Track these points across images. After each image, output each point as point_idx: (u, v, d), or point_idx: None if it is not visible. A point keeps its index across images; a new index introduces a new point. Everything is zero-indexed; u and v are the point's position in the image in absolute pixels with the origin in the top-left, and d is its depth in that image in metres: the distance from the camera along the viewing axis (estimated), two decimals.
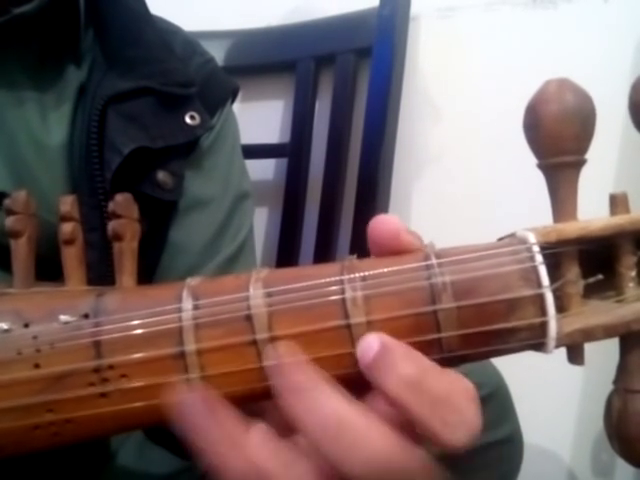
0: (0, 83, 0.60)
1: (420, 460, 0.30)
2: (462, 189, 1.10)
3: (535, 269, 0.32)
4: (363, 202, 1.03)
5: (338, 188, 1.09)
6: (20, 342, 0.34)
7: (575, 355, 0.34)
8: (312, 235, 1.10)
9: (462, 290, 0.32)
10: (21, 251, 0.37)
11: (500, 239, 0.35)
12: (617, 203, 0.34)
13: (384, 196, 1.05)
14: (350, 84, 1.09)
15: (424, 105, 1.12)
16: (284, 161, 1.16)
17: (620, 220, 0.34)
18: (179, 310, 0.33)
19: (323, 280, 0.33)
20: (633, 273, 0.34)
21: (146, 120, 0.64)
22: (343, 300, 0.32)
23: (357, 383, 0.32)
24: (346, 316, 0.32)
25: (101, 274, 0.54)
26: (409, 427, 0.30)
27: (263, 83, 1.20)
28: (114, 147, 0.60)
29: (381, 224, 0.35)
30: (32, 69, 0.62)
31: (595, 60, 1.01)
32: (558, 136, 0.34)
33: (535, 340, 0.32)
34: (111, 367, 0.33)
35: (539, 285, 0.32)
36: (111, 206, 0.38)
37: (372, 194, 1.02)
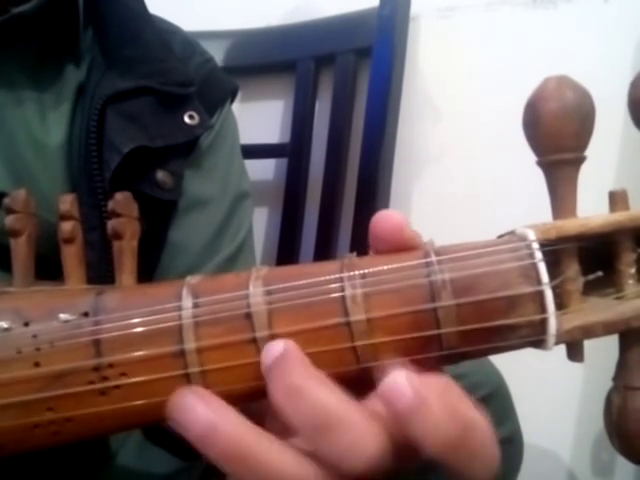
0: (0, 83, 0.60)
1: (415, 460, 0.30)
2: (462, 189, 1.10)
3: (535, 266, 0.32)
4: (363, 202, 1.03)
5: (338, 188, 1.09)
6: (20, 341, 0.34)
7: (574, 352, 0.34)
8: (312, 235, 1.10)
9: (462, 287, 0.32)
10: (21, 250, 0.37)
11: (500, 236, 0.35)
12: (617, 200, 0.34)
13: (384, 196, 1.05)
14: (350, 84, 1.10)
15: (424, 105, 1.12)
16: (284, 161, 1.16)
17: (620, 217, 0.34)
18: (179, 308, 0.33)
19: (323, 278, 0.33)
20: (633, 270, 0.34)
21: (145, 120, 0.64)
22: (343, 298, 0.32)
23: (358, 381, 0.32)
24: (346, 314, 0.32)
25: (101, 273, 0.54)
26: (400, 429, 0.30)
27: (263, 83, 1.20)
28: (113, 147, 0.60)
29: (385, 219, 0.35)
30: (31, 69, 0.62)
31: (595, 60, 1.01)
32: (557, 133, 0.34)
33: (535, 337, 0.32)
34: (111, 365, 0.33)
35: (539, 282, 0.32)
36: (111, 205, 0.38)
37: (372, 194, 1.02)
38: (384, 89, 1.03)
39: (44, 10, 0.60)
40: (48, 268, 0.39)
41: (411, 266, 0.33)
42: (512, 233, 0.35)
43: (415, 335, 0.32)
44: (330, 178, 1.09)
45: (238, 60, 1.16)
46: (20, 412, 0.34)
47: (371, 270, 0.33)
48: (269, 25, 1.18)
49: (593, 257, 0.34)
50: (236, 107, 0.84)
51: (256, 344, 0.33)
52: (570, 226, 0.34)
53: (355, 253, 0.35)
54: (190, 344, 0.33)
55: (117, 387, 0.33)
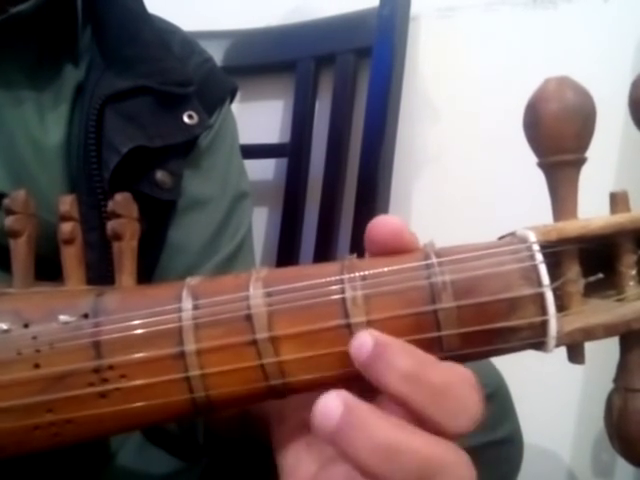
0: None
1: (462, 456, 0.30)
2: (462, 189, 1.09)
3: (535, 268, 0.32)
4: (363, 202, 1.03)
5: (338, 188, 1.09)
6: (20, 342, 0.34)
7: (575, 354, 0.34)
8: (312, 235, 1.10)
9: (462, 289, 0.32)
10: (20, 251, 0.37)
11: (500, 238, 0.35)
12: (617, 201, 0.34)
13: (384, 196, 1.04)
14: (350, 84, 1.09)
15: (424, 105, 1.12)
16: (284, 161, 1.15)
17: (620, 219, 0.34)
18: (179, 310, 0.33)
19: (323, 280, 0.33)
20: (633, 272, 0.34)
21: (144, 119, 0.64)
22: (343, 299, 0.32)
23: (358, 382, 0.32)
24: (346, 315, 0.32)
25: (100, 274, 0.54)
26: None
27: (263, 83, 1.20)
28: (112, 146, 0.60)
29: (383, 224, 0.35)
30: (30, 68, 0.61)
31: (595, 60, 1.01)
32: (558, 134, 0.34)
33: (535, 339, 0.32)
34: (111, 367, 0.33)
35: (539, 284, 0.32)
36: (111, 205, 0.38)
37: (372, 194, 1.02)
38: (384, 89, 1.03)
39: (42, 10, 0.60)
40: (48, 268, 0.39)
41: (411, 268, 0.33)
42: (513, 235, 0.34)
43: (416, 337, 0.32)
44: (330, 178, 1.09)
45: (238, 60, 1.16)
46: (20, 414, 0.34)
47: (371, 272, 0.33)
48: (269, 25, 1.18)
49: (594, 259, 0.34)
50: (236, 107, 0.84)
51: (256, 346, 0.33)
52: (571, 228, 0.33)
53: (355, 255, 0.35)
54: (190, 346, 0.33)
55: (117, 389, 0.33)
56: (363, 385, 0.31)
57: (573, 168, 0.35)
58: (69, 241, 0.37)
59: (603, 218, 0.34)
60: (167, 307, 0.34)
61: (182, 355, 0.33)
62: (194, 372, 0.33)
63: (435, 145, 1.12)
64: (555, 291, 0.32)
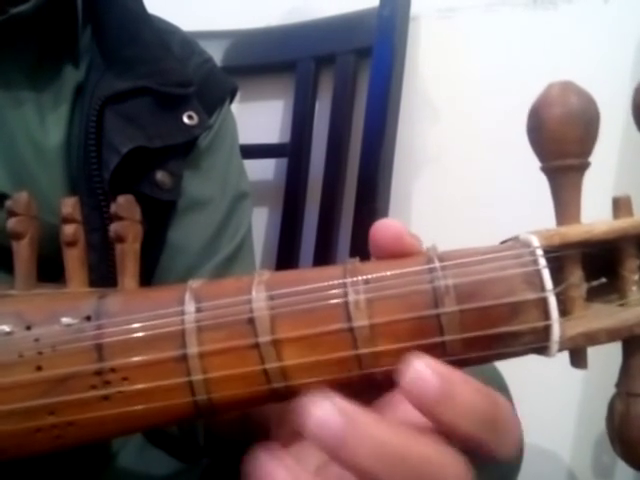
0: None
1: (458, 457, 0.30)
2: (461, 189, 1.10)
3: (538, 272, 0.32)
4: (363, 202, 1.03)
5: (338, 188, 1.08)
6: (22, 345, 0.34)
7: (578, 359, 0.34)
8: (312, 235, 1.10)
9: (465, 293, 0.32)
10: (23, 253, 0.37)
11: (503, 242, 0.35)
12: (620, 206, 0.34)
13: (384, 196, 1.04)
14: (350, 84, 1.09)
15: (424, 105, 1.12)
16: (284, 161, 1.15)
17: (624, 224, 0.34)
18: (182, 313, 0.33)
19: (326, 283, 0.33)
20: (636, 277, 0.34)
21: (144, 120, 0.64)
22: (346, 303, 0.32)
23: (358, 386, 0.32)
24: (349, 319, 0.32)
25: (102, 275, 0.54)
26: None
27: (263, 83, 1.20)
28: (112, 147, 0.60)
29: (384, 228, 0.35)
30: (30, 69, 0.62)
31: (595, 60, 1.01)
32: (562, 139, 0.34)
33: (538, 344, 0.32)
34: (113, 370, 0.33)
35: (542, 289, 0.32)
36: (113, 208, 0.38)
37: (372, 194, 1.02)
38: (384, 89, 1.03)
39: (42, 10, 0.60)
40: (49, 269, 0.39)
41: (414, 272, 0.33)
42: (515, 239, 0.34)
43: (418, 341, 0.32)
44: (330, 178, 1.09)
45: (238, 60, 1.16)
46: (22, 416, 0.33)
47: (374, 276, 0.33)
48: (269, 25, 1.18)
49: (596, 263, 0.34)
50: (236, 107, 0.84)
51: (259, 349, 0.33)
52: (574, 232, 0.33)
53: (358, 258, 0.35)
54: (193, 349, 0.33)
55: (119, 392, 0.33)
56: (361, 387, 0.32)
57: (576, 173, 0.35)
58: (72, 243, 0.37)
59: (606, 223, 0.34)
60: (170, 310, 0.34)
61: (184, 358, 0.33)
62: (196, 375, 0.33)
63: (435, 145, 1.12)
64: (558, 296, 0.32)
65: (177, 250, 0.70)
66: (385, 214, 1.05)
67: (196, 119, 0.68)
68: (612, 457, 1.02)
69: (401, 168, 1.10)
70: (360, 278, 0.33)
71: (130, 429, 0.35)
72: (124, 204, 0.38)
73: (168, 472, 0.66)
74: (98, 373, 0.33)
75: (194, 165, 0.72)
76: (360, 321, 0.32)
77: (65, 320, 0.34)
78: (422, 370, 0.28)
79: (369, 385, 0.33)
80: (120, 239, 0.37)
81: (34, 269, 0.38)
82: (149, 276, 0.67)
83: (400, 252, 0.34)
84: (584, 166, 0.35)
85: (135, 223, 0.38)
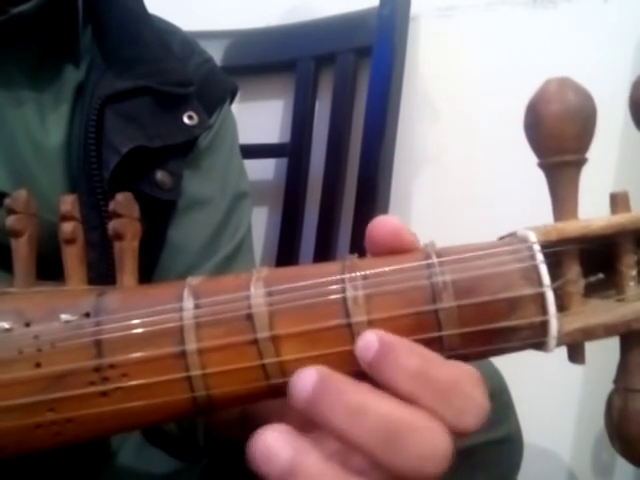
0: None
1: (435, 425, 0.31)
2: (461, 189, 1.10)
3: (536, 268, 0.32)
4: (363, 202, 1.03)
5: (338, 188, 1.09)
6: (21, 341, 0.34)
7: (575, 354, 0.34)
8: (312, 235, 1.10)
9: (463, 289, 0.32)
10: (22, 250, 0.37)
11: (501, 238, 0.36)
12: (618, 202, 0.34)
13: (384, 196, 1.04)
14: (350, 84, 1.09)
15: (424, 105, 1.12)
16: (284, 161, 1.15)
17: (621, 219, 0.34)
18: (180, 309, 0.33)
19: (324, 279, 0.33)
20: (634, 272, 0.34)
21: (144, 120, 0.64)
22: (344, 299, 0.32)
23: (360, 381, 0.32)
24: (347, 315, 0.32)
25: (101, 273, 0.54)
26: None
27: (263, 83, 1.20)
28: (112, 147, 0.61)
29: (382, 224, 0.35)
30: (30, 69, 0.62)
31: (595, 60, 1.01)
32: (559, 135, 0.34)
33: (536, 339, 0.32)
34: (112, 366, 0.33)
35: (540, 284, 0.32)
36: (112, 205, 0.38)
37: (372, 194, 1.02)
38: (384, 89, 1.03)
39: (43, 10, 0.60)
40: (48, 267, 0.39)
41: (412, 267, 0.33)
42: (513, 235, 0.35)
43: (416, 337, 0.32)
44: (330, 178, 1.09)
45: (238, 60, 1.16)
46: (21, 413, 0.34)
47: (372, 271, 0.33)
48: (268, 25, 1.18)
49: (594, 259, 0.34)
50: (236, 107, 0.84)
51: (257, 345, 0.33)
52: (571, 228, 0.34)
53: (356, 254, 0.35)
54: (191, 345, 0.33)
55: (118, 388, 0.33)
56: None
57: (574, 169, 0.35)
58: (70, 241, 0.37)
59: (604, 218, 0.34)
60: (168, 306, 0.34)
61: (183, 354, 0.33)
62: (195, 371, 0.33)
63: (435, 145, 1.12)
64: (555, 291, 0.32)
65: (177, 249, 0.70)
66: (385, 214, 1.04)
67: (196, 119, 0.68)
68: (612, 455, 1.02)
69: (401, 168, 1.10)
70: (358, 274, 0.33)
71: (129, 426, 0.35)
72: (122, 202, 0.38)
73: (167, 471, 0.66)
74: (97, 369, 0.33)
75: (194, 165, 0.72)
76: (358, 317, 0.32)
77: (64, 317, 0.34)
78: (368, 336, 0.31)
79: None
80: (119, 236, 0.37)
81: (33, 267, 0.38)
82: (149, 275, 0.67)
83: (397, 248, 0.34)
84: (581, 162, 0.35)
85: (134, 221, 0.38)
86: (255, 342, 0.33)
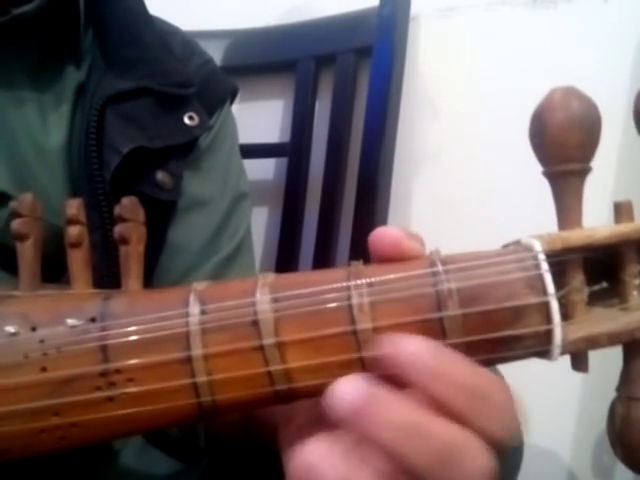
0: (0, 82, 0.60)
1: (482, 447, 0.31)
2: (462, 189, 1.10)
3: (541, 277, 0.32)
4: (363, 202, 1.03)
5: (338, 188, 1.08)
6: (27, 346, 0.34)
7: (579, 362, 0.34)
8: (312, 235, 1.10)
9: (468, 297, 0.32)
10: (27, 254, 0.37)
11: (505, 246, 0.36)
12: (622, 211, 0.35)
13: (384, 196, 1.04)
14: (350, 84, 1.09)
15: (424, 105, 1.12)
16: (284, 161, 1.15)
17: (625, 228, 0.34)
18: (186, 315, 0.34)
19: (330, 286, 0.33)
20: (637, 281, 0.34)
21: (144, 120, 0.64)
22: (349, 306, 0.33)
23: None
24: (352, 322, 0.32)
25: (102, 274, 0.54)
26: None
27: (263, 83, 1.20)
28: (113, 147, 0.61)
29: (381, 235, 0.35)
30: (31, 69, 0.62)
31: (595, 60, 1.01)
32: (564, 144, 0.34)
33: (540, 347, 0.33)
34: (118, 371, 0.33)
35: (544, 293, 0.32)
36: (117, 209, 0.38)
37: (372, 194, 1.02)
38: (384, 89, 1.03)
39: (45, 11, 0.60)
40: (49, 269, 0.39)
41: (418, 275, 0.33)
42: (518, 243, 0.35)
43: None
44: (330, 178, 1.09)
45: (238, 60, 1.16)
46: (26, 417, 0.34)
47: (378, 279, 0.33)
48: (268, 25, 1.18)
49: (598, 268, 0.35)
50: (236, 107, 0.84)
51: (263, 351, 0.33)
52: (576, 237, 0.34)
53: (362, 261, 0.35)
54: (197, 351, 0.33)
55: (124, 393, 0.33)
56: None
57: (578, 178, 0.35)
58: (76, 244, 0.37)
59: (608, 228, 0.34)
60: (174, 312, 0.34)
61: (189, 360, 0.33)
62: (201, 377, 0.33)
63: (435, 145, 1.12)
64: (560, 300, 0.32)
65: (176, 250, 0.70)
66: (385, 214, 1.05)
67: (197, 120, 0.68)
68: (612, 457, 1.02)
69: (401, 168, 1.10)
70: (364, 281, 0.33)
71: (134, 430, 0.36)
72: (128, 206, 0.38)
73: (168, 472, 0.66)
74: (103, 374, 0.33)
75: (194, 165, 0.72)
76: (363, 324, 0.32)
77: (70, 321, 0.34)
78: (417, 346, 0.30)
79: None
80: (124, 241, 0.37)
81: (38, 270, 0.38)
82: (148, 276, 0.67)
83: (400, 258, 0.35)
84: (585, 171, 0.35)
85: (139, 225, 0.38)
86: (261, 348, 0.33)
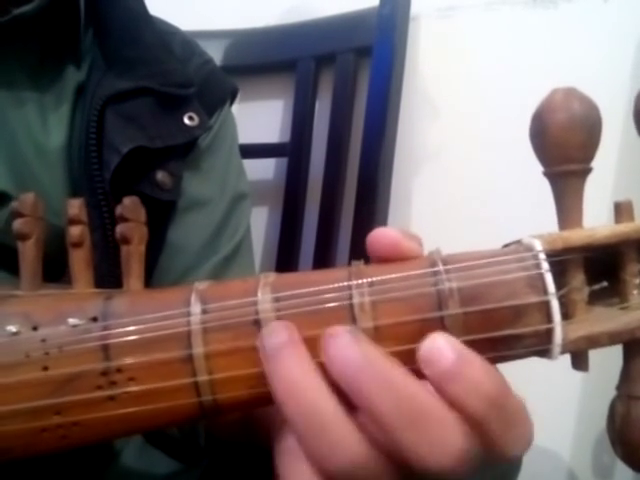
0: (0, 82, 0.60)
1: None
2: (462, 189, 1.10)
3: (541, 276, 0.32)
4: (363, 202, 1.03)
5: (338, 188, 1.08)
6: (28, 345, 0.34)
7: (579, 362, 0.34)
8: (312, 235, 1.10)
9: (468, 296, 0.32)
10: (29, 253, 0.37)
11: (505, 246, 0.36)
12: (622, 211, 0.35)
13: (384, 196, 1.04)
14: (350, 84, 1.09)
15: (424, 105, 1.12)
16: (284, 161, 1.15)
17: (625, 228, 0.34)
18: (188, 314, 0.34)
19: (331, 285, 0.33)
20: (637, 280, 0.34)
21: (144, 120, 0.64)
22: (351, 305, 0.33)
23: None
24: (354, 321, 0.32)
25: (102, 274, 0.54)
26: None
27: (263, 83, 1.20)
28: (113, 147, 0.61)
29: (379, 236, 0.35)
30: (32, 69, 0.62)
31: (595, 60, 1.01)
32: (564, 144, 0.34)
33: (541, 346, 0.33)
34: (119, 370, 0.34)
35: (545, 292, 0.32)
36: (119, 209, 0.38)
37: (372, 194, 1.02)
38: (384, 89, 1.03)
39: (45, 11, 0.60)
40: (51, 269, 0.39)
41: (418, 275, 0.33)
42: (518, 243, 0.35)
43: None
44: (330, 178, 1.09)
45: (237, 60, 1.16)
46: (28, 416, 0.34)
47: (379, 278, 0.33)
48: (268, 25, 1.18)
49: (598, 267, 0.35)
50: (236, 107, 0.84)
51: None
52: (576, 237, 0.34)
53: (362, 261, 0.35)
54: (198, 349, 0.33)
55: (125, 392, 0.33)
56: None
57: (578, 178, 0.35)
58: (78, 244, 0.37)
59: (608, 228, 0.34)
60: (176, 311, 0.34)
61: (190, 359, 0.33)
62: (202, 376, 0.33)
63: (435, 145, 1.12)
64: (560, 299, 0.32)
65: (176, 250, 0.70)
66: (385, 214, 1.05)
67: (197, 120, 0.69)
68: (612, 457, 1.02)
69: (401, 168, 1.10)
70: (365, 281, 0.33)
71: (135, 429, 0.36)
72: (130, 206, 0.38)
73: (168, 472, 0.66)
74: (104, 373, 0.34)
75: (194, 165, 0.72)
76: (365, 323, 0.32)
77: (72, 321, 0.34)
78: (442, 343, 0.31)
79: None
80: (126, 241, 0.37)
81: (40, 270, 0.38)
82: (147, 276, 0.67)
83: (399, 258, 0.35)
84: (586, 171, 0.35)
85: (140, 225, 0.38)
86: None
